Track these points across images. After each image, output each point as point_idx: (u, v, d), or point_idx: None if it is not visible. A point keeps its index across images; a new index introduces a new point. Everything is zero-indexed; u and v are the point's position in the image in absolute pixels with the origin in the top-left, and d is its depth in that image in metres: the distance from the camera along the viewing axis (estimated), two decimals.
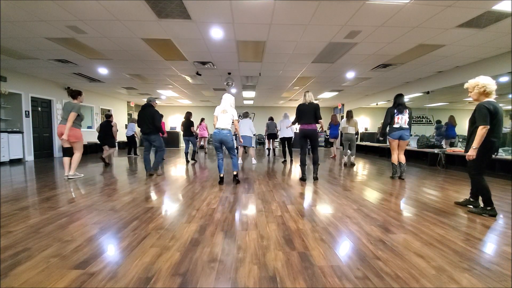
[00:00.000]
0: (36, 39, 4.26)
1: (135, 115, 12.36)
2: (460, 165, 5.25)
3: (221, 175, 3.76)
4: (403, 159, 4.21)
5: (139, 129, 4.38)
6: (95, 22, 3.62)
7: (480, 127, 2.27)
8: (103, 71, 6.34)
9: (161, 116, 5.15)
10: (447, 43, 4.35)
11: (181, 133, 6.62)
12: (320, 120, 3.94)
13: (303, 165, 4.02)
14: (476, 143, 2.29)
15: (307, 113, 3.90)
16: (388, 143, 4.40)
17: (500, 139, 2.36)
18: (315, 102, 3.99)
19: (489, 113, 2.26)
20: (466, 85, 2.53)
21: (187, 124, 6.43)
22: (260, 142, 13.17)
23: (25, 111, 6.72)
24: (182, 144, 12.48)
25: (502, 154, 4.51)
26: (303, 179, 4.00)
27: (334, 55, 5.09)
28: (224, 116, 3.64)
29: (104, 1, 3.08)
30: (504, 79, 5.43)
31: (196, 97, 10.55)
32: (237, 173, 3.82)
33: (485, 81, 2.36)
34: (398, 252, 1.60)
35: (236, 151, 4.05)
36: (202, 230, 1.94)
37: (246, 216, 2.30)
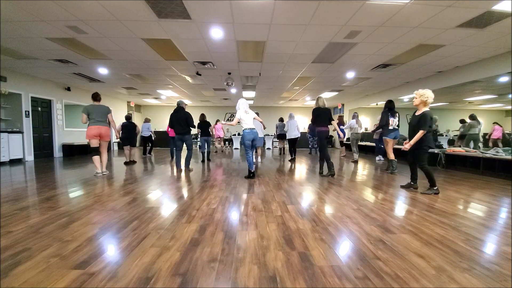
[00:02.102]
0: (36, 39, 4.26)
1: (137, 115, 12.38)
2: (460, 165, 5.25)
3: (252, 170, 4.18)
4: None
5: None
6: (95, 22, 3.62)
7: (422, 131, 3.03)
8: (103, 71, 6.35)
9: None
10: (447, 43, 4.35)
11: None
12: (333, 122, 4.44)
13: (322, 161, 4.51)
14: (413, 141, 3.11)
15: (324, 116, 4.35)
16: (384, 143, 4.95)
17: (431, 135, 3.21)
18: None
19: (431, 119, 3.04)
20: (415, 92, 3.19)
21: (205, 125, 6.65)
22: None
23: (25, 111, 6.73)
24: None
25: (502, 154, 4.51)
26: (326, 173, 4.39)
27: (334, 55, 5.09)
28: (248, 116, 4.10)
29: (104, 1, 3.08)
30: (504, 79, 5.44)
31: (196, 97, 10.56)
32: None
33: (429, 94, 3.08)
34: (398, 252, 1.60)
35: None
36: (202, 230, 1.94)
37: (246, 216, 2.30)
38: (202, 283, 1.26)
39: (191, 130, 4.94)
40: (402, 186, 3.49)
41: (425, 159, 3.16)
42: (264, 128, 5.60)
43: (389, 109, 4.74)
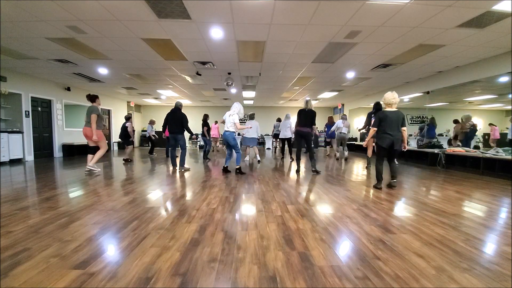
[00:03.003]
0: (36, 39, 4.26)
1: (137, 115, 12.40)
2: (460, 165, 5.25)
3: (225, 166, 4.71)
4: None
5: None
6: (95, 22, 3.62)
7: (371, 129, 3.46)
8: (103, 71, 6.34)
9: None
10: (447, 43, 4.35)
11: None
12: (313, 126, 4.69)
13: (298, 159, 4.82)
14: (367, 138, 3.71)
15: (305, 118, 4.63)
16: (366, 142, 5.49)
17: (392, 135, 3.28)
18: (314, 109, 4.72)
19: (378, 119, 3.37)
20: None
21: (202, 125, 7.09)
22: (259, 142, 13.22)
23: (25, 111, 6.72)
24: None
25: (502, 154, 4.51)
26: (297, 171, 4.79)
27: (334, 55, 5.09)
28: (228, 119, 4.46)
29: (104, 1, 3.08)
30: (504, 79, 5.44)
31: (196, 97, 10.55)
32: (239, 167, 4.56)
33: (386, 96, 3.42)
34: (398, 252, 1.60)
35: (239, 148, 4.73)
36: (202, 230, 1.94)
37: (246, 216, 2.30)
38: (202, 283, 1.26)
39: (184, 130, 5.04)
40: (388, 186, 3.53)
41: (376, 155, 3.53)
42: (239, 134, 5.89)
43: (377, 110, 4.93)
